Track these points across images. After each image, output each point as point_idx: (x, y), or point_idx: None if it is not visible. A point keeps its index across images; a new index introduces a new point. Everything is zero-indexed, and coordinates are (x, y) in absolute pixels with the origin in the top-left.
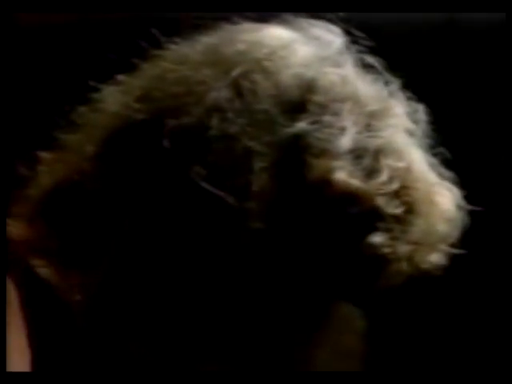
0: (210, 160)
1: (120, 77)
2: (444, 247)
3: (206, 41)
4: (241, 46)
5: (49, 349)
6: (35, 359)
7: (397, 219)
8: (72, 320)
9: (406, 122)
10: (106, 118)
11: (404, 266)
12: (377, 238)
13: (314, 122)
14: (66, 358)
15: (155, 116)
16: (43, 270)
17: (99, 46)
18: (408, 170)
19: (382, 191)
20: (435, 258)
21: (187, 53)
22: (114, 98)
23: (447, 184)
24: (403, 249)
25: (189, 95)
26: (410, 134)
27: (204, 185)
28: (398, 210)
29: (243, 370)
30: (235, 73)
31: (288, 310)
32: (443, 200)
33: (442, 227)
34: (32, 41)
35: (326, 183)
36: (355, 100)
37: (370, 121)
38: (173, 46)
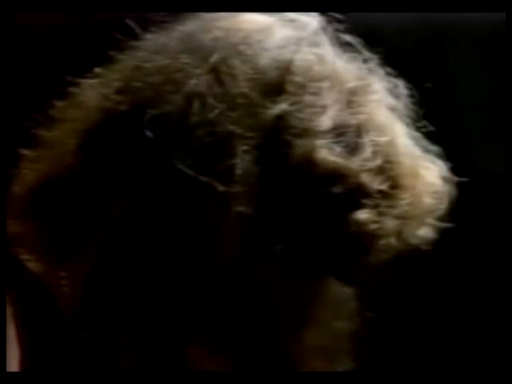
0: (192, 146)
1: (97, 70)
2: (432, 220)
3: (183, 29)
4: (217, 33)
5: (40, 347)
6: (25, 358)
7: (382, 194)
8: (61, 316)
9: (386, 98)
10: (87, 112)
11: (393, 241)
12: (363, 215)
13: (294, 103)
14: (56, 355)
15: (136, 107)
16: (32, 265)
17: (74, 41)
18: (391, 144)
19: (365, 167)
20: (424, 232)
21: (164, 42)
22: (93, 91)
23: (432, 157)
24: (390, 224)
25: (168, 84)
26: (392, 109)
27: (188, 171)
28: (383, 186)
29: (231, 354)
30: (213, 59)
31: (276, 291)
32: (428, 173)
33: (428, 200)
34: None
35: (309, 163)
36: (334, 78)
37: (350, 98)
38: (149, 36)
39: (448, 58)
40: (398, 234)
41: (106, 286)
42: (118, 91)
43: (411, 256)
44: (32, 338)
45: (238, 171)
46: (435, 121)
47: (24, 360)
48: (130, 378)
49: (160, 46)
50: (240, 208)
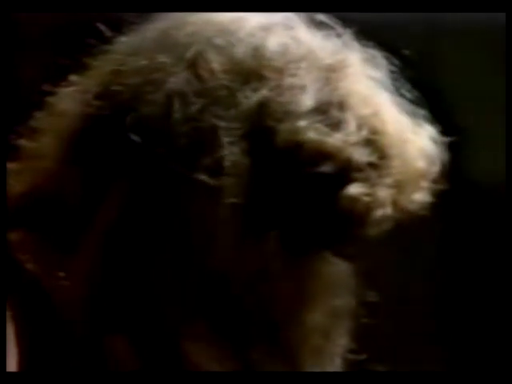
0: (177, 144)
1: (73, 77)
2: (426, 184)
3: (156, 28)
4: (191, 28)
5: (38, 348)
6: (24, 358)
7: (372, 166)
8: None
9: (365, 69)
10: (68, 120)
11: (389, 210)
12: (355, 189)
13: (273, 88)
14: (55, 355)
15: (117, 110)
16: (30, 267)
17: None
18: (375, 115)
19: (351, 142)
20: (419, 196)
21: (139, 43)
22: (72, 98)
23: (420, 121)
24: (384, 194)
25: (147, 84)
26: (372, 79)
27: (176, 169)
28: (372, 157)
29: (231, 344)
30: (189, 55)
31: (275, 275)
32: (417, 138)
33: (419, 164)
34: None
35: (295, 145)
36: (311, 57)
37: (329, 74)
38: (122, 39)
39: (448, 58)
40: (394, 202)
41: (102, 285)
42: (98, 96)
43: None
44: (31, 339)
45: (227, 163)
46: (435, 120)
47: (22, 361)
48: (128, 379)
49: (135, 47)
50: (232, 199)
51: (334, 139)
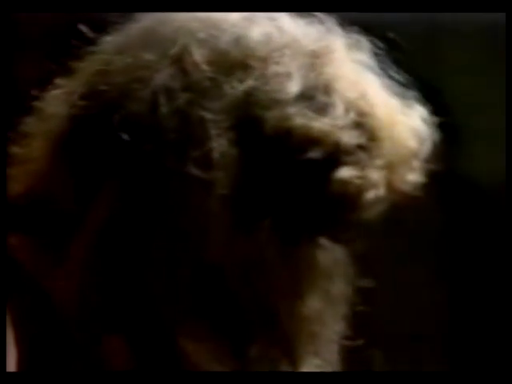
0: (165, 139)
1: (59, 80)
2: (418, 164)
3: (141, 26)
4: (175, 24)
5: (38, 348)
6: (24, 359)
7: (362, 148)
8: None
9: (350, 54)
10: (56, 122)
11: (382, 191)
12: (346, 172)
13: (259, 77)
14: (55, 356)
15: (104, 109)
16: (28, 268)
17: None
18: (362, 97)
19: (339, 125)
20: (412, 176)
21: (124, 41)
22: (60, 101)
23: (409, 102)
24: (376, 175)
25: (133, 82)
26: (358, 63)
27: (165, 163)
28: (361, 139)
29: (229, 340)
30: (174, 50)
31: (270, 265)
32: (406, 118)
33: (410, 144)
34: None
35: (283, 133)
36: (295, 45)
37: (313, 60)
38: (107, 38)
39: (448, 58)
40: (387, 183)
41: (96, 285)
42: (85, 97)
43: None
44: (30, 339)
45: (215, 155)
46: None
47: (22, 361)
48: (126, 379)
49: (120, 46)
50: (222, 190)
51: (322, 124)
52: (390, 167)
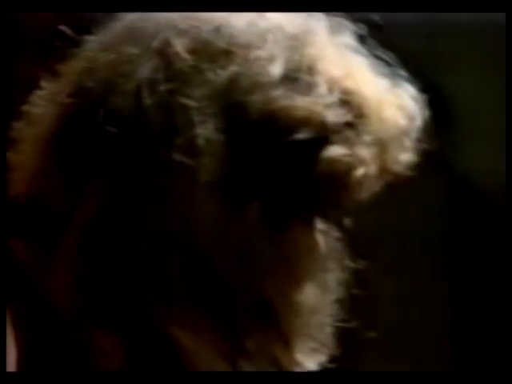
0: (151, 130)
1: (45, 83)
2: (409, 143)
3: (124, 23)
4: (157, 19)
5: (38, 347)
6: (23, 358)
7: (349, 126)
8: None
9: (333, 35)
10: (45, 124)
11: (372, 169)
12: (334, 151)
13: (241, 62)
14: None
15: (90, 106)
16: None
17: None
18: (347, 76)
19: (323, 103)
20: (405, 156)
21: (108, 38)
22: (46, 102)
23: (398, 80)
24: (365, 152)
25: (117, 77)
26: (341, 44)
27: (151, 153)
28: (348, 117)
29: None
30: (156, 43)
31: (260, 250)
32: (395, 97)
33: (399, 121)
34: None
35: (268, 116)
36: (277, 30)
37: (296, 42)
38: (90, 37)
39: (448, 58)
40: (380, 160)
41: (86, 279)
42: (71, 95)
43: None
44: (30, 338)
45: (200, 142)
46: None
47: (22, 360)
48: (125, 378)
49: (104, 43)
50: (209, 176)
51: (305, 103)
52: (379, 144)
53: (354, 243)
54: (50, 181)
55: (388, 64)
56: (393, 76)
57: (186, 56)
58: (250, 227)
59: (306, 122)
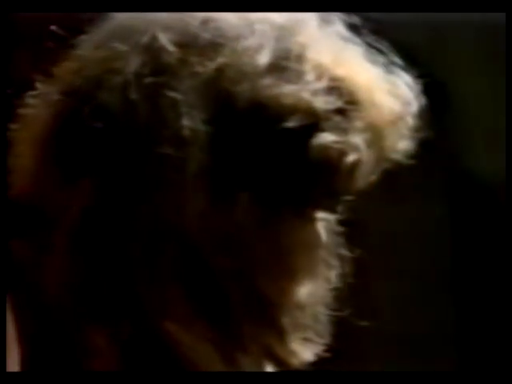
0: (139, 123)
1: (39, 84)
2: (404, 130)
3: (115, 22)
4: (147, 16)
5: (40, 346)
6: (26, 358)
7: (339, 113)
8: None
9: (322, 27)
10: (39, 124)
11: (367, 156)
12: (324, 138)
13: (229, 54)
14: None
15: (80, 103)
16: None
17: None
18: (337, 63)
19: (311, 91)
20: (401, 144)
21: (98, 37)
22: (40, 103)
23: (392, 68)
24: (356, 138)
25: (106, 73)
26: (331, 34)
27: (139, 146)
28: (338, 104)
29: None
30: (144, 40)
31: (252, 241)
32: (388, 84)
33: (392, 107)
34: None
35: (257, 105)
36: (263, 20)
37: (283, 32)
38: (83, 37)
39: (448, 58)
40: (376, 147)
41: (77, 277)
42: (63, 94)
43: None
44: (30, 336)
45: (187, 132)
46: (435, 119)
47: (25, 360)
48: (123, 378)
49: (95, 41)
50: (197, 166)
51: (293, 91)
52: (373, 131)
53: (354, 243)
54: (45, 181)
55: (382, 52)
56: (387, 64)
57: (173, 49)
58: (240, 217)
59: (294, 109)
